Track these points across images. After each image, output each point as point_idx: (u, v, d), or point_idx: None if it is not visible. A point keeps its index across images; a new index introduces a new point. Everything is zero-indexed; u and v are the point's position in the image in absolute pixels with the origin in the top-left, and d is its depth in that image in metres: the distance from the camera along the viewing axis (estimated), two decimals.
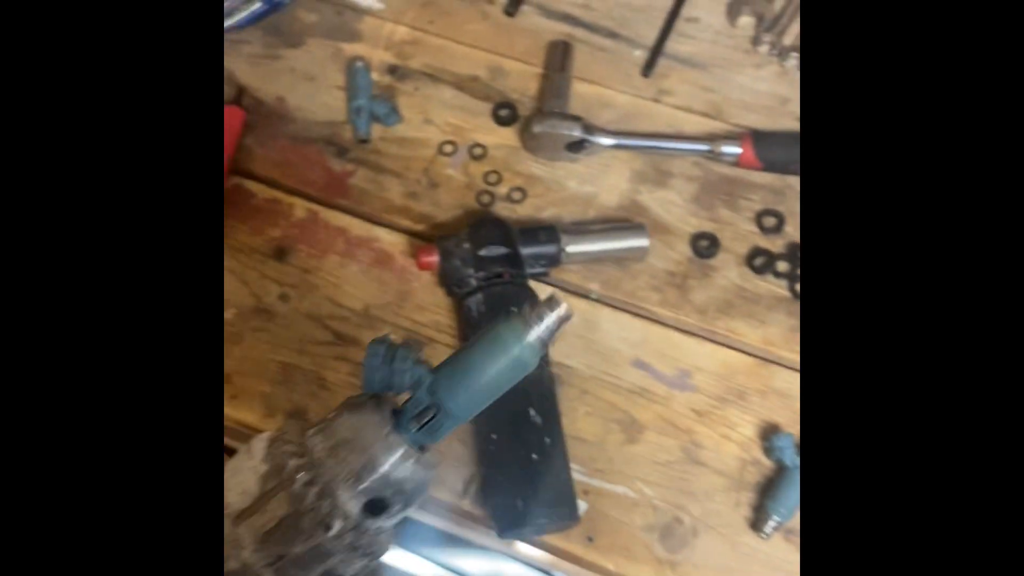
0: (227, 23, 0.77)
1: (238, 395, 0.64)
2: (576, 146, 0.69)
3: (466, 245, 0.63)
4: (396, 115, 0.73)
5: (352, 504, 0.31)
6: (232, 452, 0.36)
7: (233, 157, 0.72)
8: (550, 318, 0.34)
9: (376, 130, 0.74)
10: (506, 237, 0.63)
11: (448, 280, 0.63)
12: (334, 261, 0.69)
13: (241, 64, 0.77)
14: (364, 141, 0.73)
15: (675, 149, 0.70)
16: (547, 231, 0.64)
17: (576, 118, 0.69)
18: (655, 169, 0.72)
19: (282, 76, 0.77)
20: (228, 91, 0.75)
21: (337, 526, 0.30)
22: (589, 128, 0.69)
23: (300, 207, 0.71)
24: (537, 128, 0.69)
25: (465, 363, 0.34)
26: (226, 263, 0.69)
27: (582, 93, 0.74)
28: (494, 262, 0.62)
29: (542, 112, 0.71)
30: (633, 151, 0.71)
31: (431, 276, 0.68)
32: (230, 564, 0.30)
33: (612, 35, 0.78)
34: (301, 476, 0.30)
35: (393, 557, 0.64)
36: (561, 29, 0.78)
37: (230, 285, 0.67)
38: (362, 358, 0.34)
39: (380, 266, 0.68)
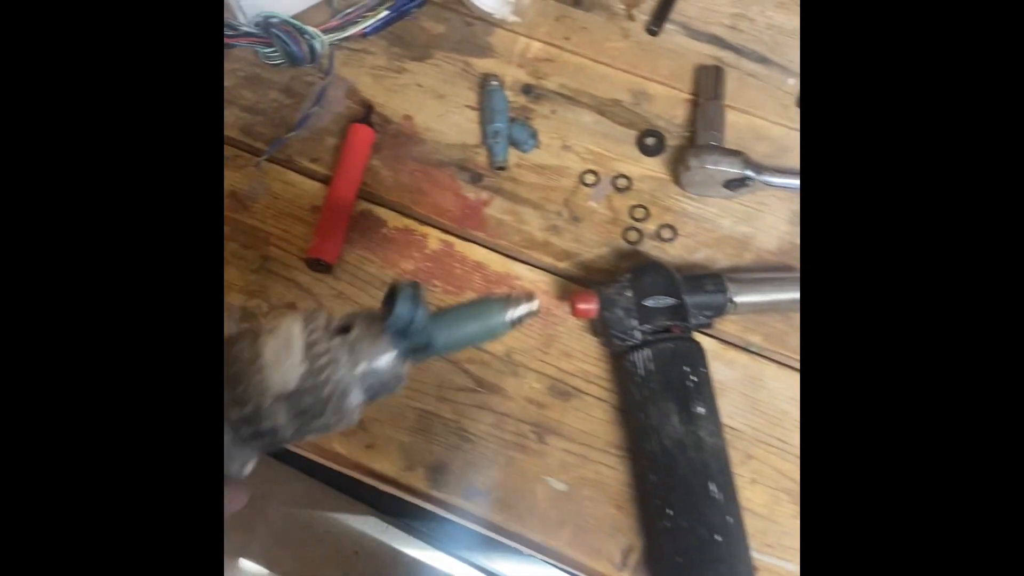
0: (352, 31, 0.72)
1: (375, 444, 0.60)
2: (736, 184, 0.64)
3: (629, 293, 0.58)
4: (535, 140, 0.68)
5: (356, 395, 0.39)
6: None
7: (362, 181, 0.67)
8: (525, 308, 0.42)
9: (511, 155, 0.69)
10: (672, 286, 0.58)
11: (608, 331, 0.58)
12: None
13: (364, 77, 0.72)
14: (501, 168, 0.68)
15: None
16: (713, 280, 0.60)
17: (738, 153, 0.64)
18: None
19: (408, 92, 0.71)
20: (356, 107, 0.70)
21: (347, 411, 0.39)
22: (754, 165, 0.64)
23: (434, 238, 0.66)
24: (694, 163, 0.64)
25: (455, 317, 0.41)
26: (357, 299, 0.64)
27: (733, 123, 0.69)
28: (660, 314, 0.57)
29: (698, 145, 0.65)
30: (793, 190, 0.66)
31: (577, 321, 0.63)
32: (266, 424, 0.37)
33: (763, 60, 0.72)
34: (328, 375, 0.37)
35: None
36: (707, 51, 0.73)
37: None
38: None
39: None
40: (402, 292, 0.39)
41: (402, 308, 0.39)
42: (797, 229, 0.66)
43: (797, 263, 0.65)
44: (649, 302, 0.58)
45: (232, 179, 0.68)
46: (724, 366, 0.62)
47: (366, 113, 0.69)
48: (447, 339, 0.41)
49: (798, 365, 0.62)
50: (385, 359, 0.39)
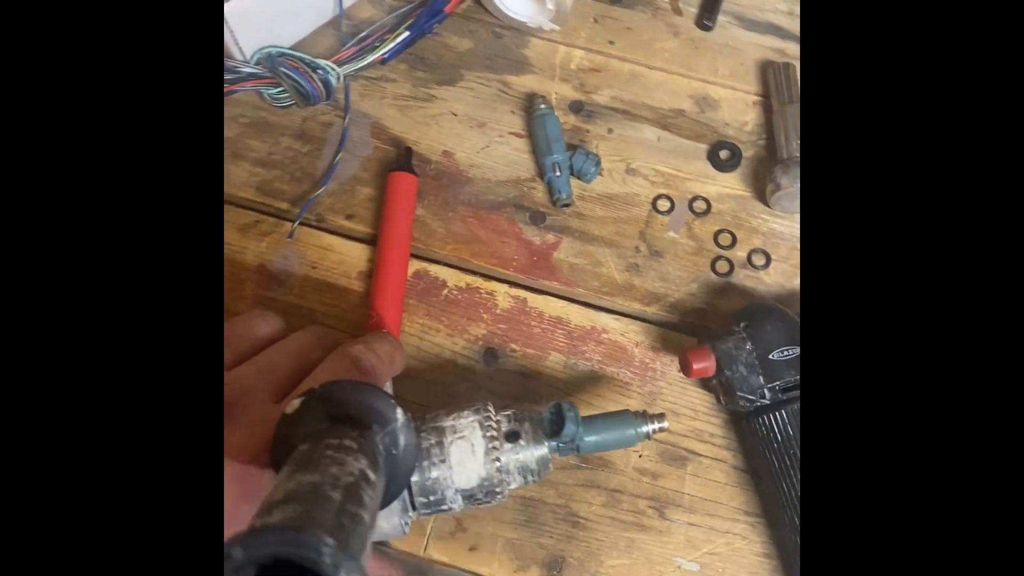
0: (371, 58, 0.62)
1: (478, 545, 0.53)
2: None
3: (748, 346, 0.51)
4: (598, 167, 0.60)
5: (514, 483, 0.46)
6: None
7: (411, 237, 0.58)
8: (658, 425, 0.48)
9: (572, 186, 0.61)
10: (793, 332, 0.52)
11: (733, 393, 0.51)
12: (557, 361, 0.57)
13: (388, 109, 0.63)
14: (567, 205, 0.60)
15: None
16: None
17: None
18: None
19: (443, 123, 0.63)
20: (385, 147, 0.61)
21: (504, 495, 0.46)
22: None
23: (503, 294, 0.58)
24: (784, 181, 0.57)
25: (599, 427, 0.47)
26: (427, 376, 0.56)
27: None
28: (788, 368, 0.51)
29: (786, 160, 0.58)
30: None
31: (678, 373, 0.56)
32: (442, 507, 0.45)
33: None
34: (502, 478, 0.45)
35: None
36: (768, 44, 0.65)
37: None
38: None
39: (615, 363, 0.57)
40: (568, 415, 0.45)
41: (570, 428, 0.45)
42: None
43: None
44: (774, 355, 0.51)
45: (257, 251, 0.58)
46: None
47: (405, 157, 0.60)
48: (589, 444, 0.47)
49: None
50: (540, 456, 0.46)
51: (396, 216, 0.58)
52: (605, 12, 0.66)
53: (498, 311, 0.58)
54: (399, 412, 0.40)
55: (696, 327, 0.58)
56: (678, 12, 0.66)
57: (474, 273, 0.59)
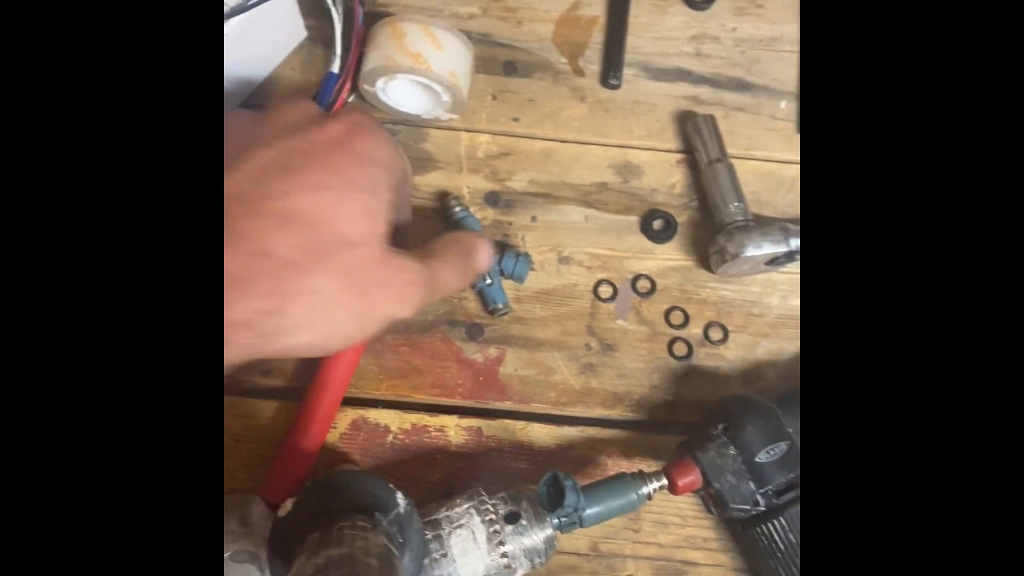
0: None
1: None
2: (783, 259, 0.54)
3: (732, 451, 0.47)
4: (529, 263, 0.55)
5: (521, 567, 0.44)
6: None
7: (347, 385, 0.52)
8: (656, 486, 0.46)
9: (505, 288, 0.55)
10: (775, 425, 0.48)
11: (725, 506, 0.47)
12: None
13: None
14: (505, 313, 0.55)
15: None
16: None
17: (784, 227, 0.54)
18: None
19: None
20: None
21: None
22: (798, 231, 0.54)
23: (454, 428, 0.53)
24: (732, 250, 0.53)
25: (599, 497, 0.45)
26: None
27: (740, 175, 0.58)
28: (778, 468, 0.47)
29: (730, 229, 0.54)
30: None
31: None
32: None
33: (743, 86, 0.61)
34: (508, 563, 0.43)
35: None
36: (679, 92, 0.61)
37: None
38: None
39: (589, 481, 0.52)
40: (567, 486, 0.43)
41: (571, 499, 0.43)
42: None
43: None
44: (761, 457, 0.47)
45: None
46: None
47: None
48: (592, 516, 0.45)
49: None
50: (546, 536, 0.44)
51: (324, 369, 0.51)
52: (502, 86, 0.60)
53: (453, 448, 0.52)
54: (400, 497, 0.41)
55: (667, 423, 0.53)
56: (580, 73, 0.61)
57: (418, 409, 0.53)
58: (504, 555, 0.43)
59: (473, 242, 0.44)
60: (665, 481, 0.47)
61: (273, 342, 0.33)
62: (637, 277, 0.56)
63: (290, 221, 0.34)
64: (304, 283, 0.33)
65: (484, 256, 0.44)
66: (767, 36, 0.62)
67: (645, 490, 0.46)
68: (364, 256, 0.35)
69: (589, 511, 0.45)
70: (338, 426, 0.52)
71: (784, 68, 0.62)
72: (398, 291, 0.37)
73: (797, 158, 0.59)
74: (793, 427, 0.49)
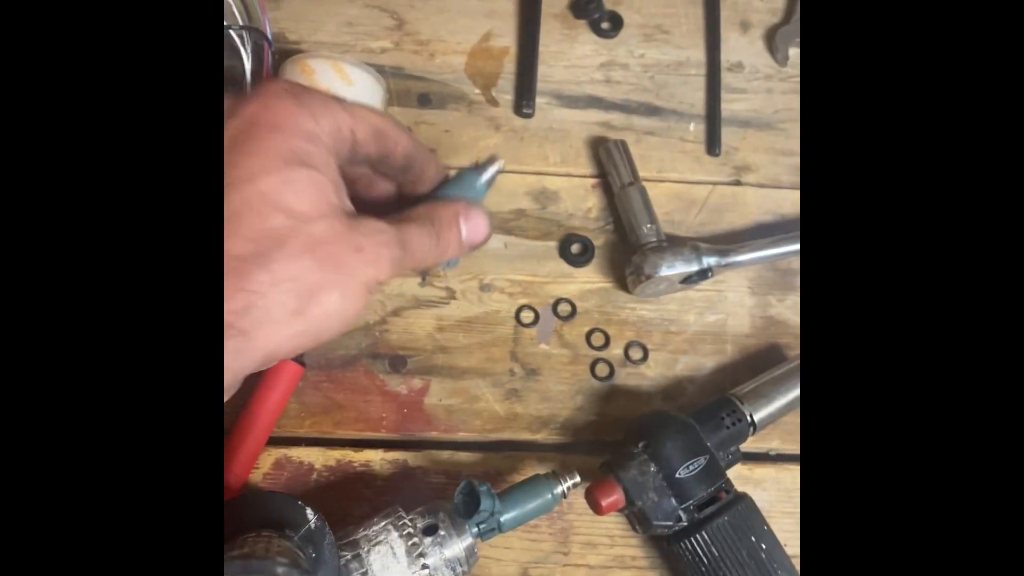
0: None
1: None
2: (697, 277, 0.56)
3: (652, 468, 0.48)
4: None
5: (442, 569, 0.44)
6: None
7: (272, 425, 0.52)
8: (571, 483, 0.47)
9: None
10: (694, 440, 0.49)
11: (648, 524, 0.48)
12: None
13: None
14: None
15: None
16: (726, 407, 0.51)
17: (695, 246, 0.55)
18: (774, 270, 0.59)
19: None
20: None
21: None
22: (712, 251, 0.55)
23: (379, 462, 0.53)
24: (648, 270, 0.54)
25: (515, 500, 0.46)
26: None
27: (653, 198, 0.59)
28: (698, 483, 0.48)
29: (644, 250, 0.55)
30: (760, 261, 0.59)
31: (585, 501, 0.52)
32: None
33: (653, 111, 0.63)
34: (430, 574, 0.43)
35: None
36: (591, 118, 0.62)
37: None
38: None
39: None
40: (482, 491, 0.44)
41: (486, 504, 0.44)
42: (761, 300, 0.59)
43: (774, 340, 0.58)
44: (680, 473, 0.48)
45: None
46: (759, 491, 0.54)
47: None
48: (510, 520, 0.45)
49: None
50: (467, 545, 0.44)
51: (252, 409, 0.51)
52: (418, 118, 0.61)
53: (379, 482, 0.52)
54: (310, 513, 0.42)
55: (592, 443, 0.54)
56: (494, 103, 0.62)
57: (342, 445, 0.53)
58: (425, 567, 0.43)
59: (456, 209, 0.40)
60: (579, 479, 0.47)
61: (260, 339, 0.32)
62: (558, 301, 0.57)
63: (235, 217, 0.32)
64: (273, 272, 0.32)
65: (476, 227, 0.41)
66: (674, 61, 0.64)
67: (559, 489, 0.47)
68: (326, 228, 0.33)
69: (506, 515, 0.45)
70: (261, 466, 0.51)
71: (691, 92, 0.63)
72: (372, 252, 0.35)
73: (707, 178, 0.61)
74: (712, 440, 0.50)
